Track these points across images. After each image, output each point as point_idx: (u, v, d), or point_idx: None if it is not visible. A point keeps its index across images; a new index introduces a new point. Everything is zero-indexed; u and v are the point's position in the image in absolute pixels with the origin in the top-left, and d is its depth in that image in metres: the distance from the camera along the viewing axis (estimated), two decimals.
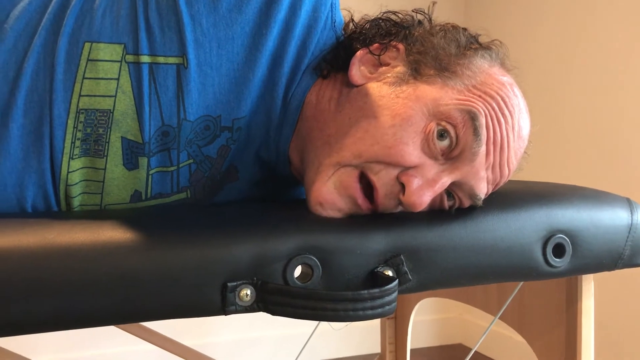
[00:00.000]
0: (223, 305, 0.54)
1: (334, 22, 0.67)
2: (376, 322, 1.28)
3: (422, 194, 0.59)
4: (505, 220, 0.64)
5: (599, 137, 1.81)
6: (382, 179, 0.60)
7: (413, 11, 0.69)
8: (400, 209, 0.63)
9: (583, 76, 1.88)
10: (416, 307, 1.17)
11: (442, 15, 0.71)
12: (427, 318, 2.33)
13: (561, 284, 0.78)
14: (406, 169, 0.60)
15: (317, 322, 1.15)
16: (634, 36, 1.68)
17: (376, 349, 1.34)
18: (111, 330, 1.83)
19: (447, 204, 0.64)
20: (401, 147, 0.59)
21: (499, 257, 0.63)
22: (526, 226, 0.65)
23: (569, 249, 0.66)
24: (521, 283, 0.82)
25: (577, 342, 0.76)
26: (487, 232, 0.63)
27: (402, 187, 0.60)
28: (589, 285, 0.76)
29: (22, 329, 0.50)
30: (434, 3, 0.69)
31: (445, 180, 0.61)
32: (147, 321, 0.53)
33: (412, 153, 0.60)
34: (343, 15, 0.70)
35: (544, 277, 0.66)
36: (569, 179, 0.95)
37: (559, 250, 0.66)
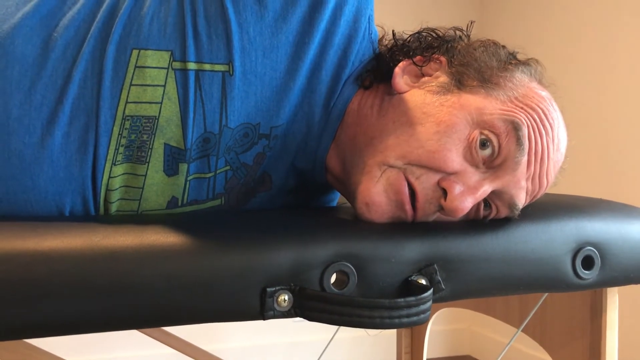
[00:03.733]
0: (262, 310, 0.55)
1: (371, 34, 0.68)
2: (392, 331, 1.29)
3: (464, 200, 0.60)
4: (535, 232, 0.65)
5: (607, 145, 1.81)
6: (423, 184, 0.61)
7: (452, 28, 0.70)
8: (436, 216, 0.64)
9: (592, 80, 1.89)
10: (433, 317, 1.18)
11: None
12: (437, 329, 2.33)
13: (585, 296, 0.79)
14: (447, 174, 0.61)
15: (333, 331, 1.16)
16: None
17: (391, 358, 1.34)
18: (128, 334, 1.83)
19: (482, 213, 0.65)
20: (444, 153, 0.61)
21: (529, 268, 0.64)
22: (556, 238, 0.65)
23: (597, 261, 0.67)
24: (546, 295, 0.83)
25: (601, 354, 0.77)
26: (519, 244, 0.64)
27: (443, 192, 0.61)
28: (614, 298, 0.77)
29: (69, 329, 0.51)
30: (472, 22, 0.70)
31: (487, 188, 0.61)
32: (187, 324, 0.54)
33: (455, 159, 0.61)
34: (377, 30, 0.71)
35: (572, 288, 0.67)
36: (578, 190, 0.95)
37: (588, 263, 0.67)
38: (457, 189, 0.60)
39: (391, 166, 0.62)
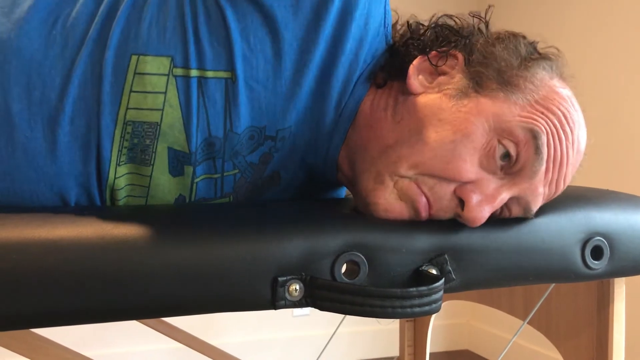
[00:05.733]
0: (273, 300, 0.55)
1: (386, 27, 0.67)
2: (395, 325, 1.29)
3: (482, 209, 0.59)
4: (545, 222, 0.65)
5: (612, 137, 1.81)
6: (437, 194, 0.60)
7: (470, 14, 0.68)
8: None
9: (594, 76, 1.89)
10: None
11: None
12: (436, 324, 2.33)
13: (592, 287, 0.79)
14: (463, 183, 0.60)
15: (334, 326, 1.16)
16: None
17: (394, 351, 1.34)
18: (132, 328, 1.82)
19: (497, 213, 0.63)
20: (459, 164, 0.59)
21: (539, 258, 0.64)
22: (566, 229, 0.65)
23: (606, 251, 0.67)
24: (552, 286, 0.83)
25: (608, 345, 0.77)
26: (529, 234, 0.64)
27: (460, 201, 0.60)
28: (621, 289, 0.77)
29: (78, 318, 0.50)
30: (490, 6, 0.68)
31: (504, 196, 0.60)
32: (200, 313, 0.54)
33: (469, 169, 0.59)
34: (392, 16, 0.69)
35: (582, 279, 0.67)
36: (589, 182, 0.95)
37: (597, 253, 0.67)
38: (475, 198, 0.59)
39: (402, 176, 0.61)
